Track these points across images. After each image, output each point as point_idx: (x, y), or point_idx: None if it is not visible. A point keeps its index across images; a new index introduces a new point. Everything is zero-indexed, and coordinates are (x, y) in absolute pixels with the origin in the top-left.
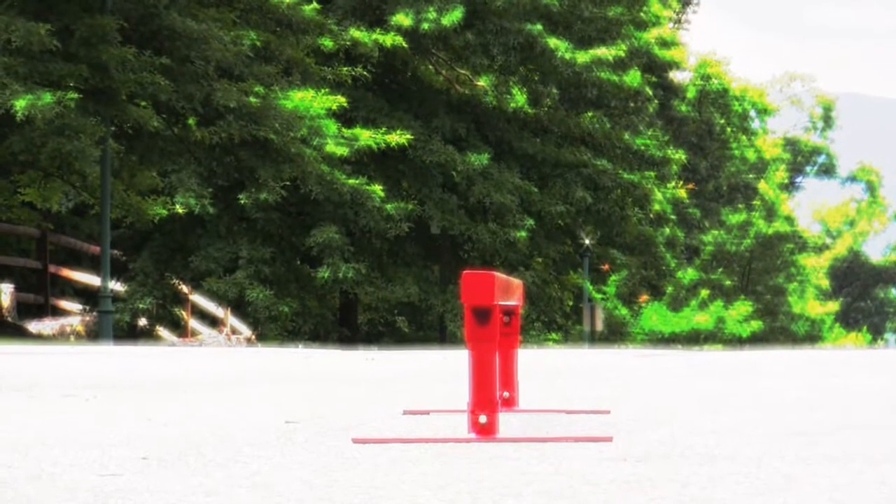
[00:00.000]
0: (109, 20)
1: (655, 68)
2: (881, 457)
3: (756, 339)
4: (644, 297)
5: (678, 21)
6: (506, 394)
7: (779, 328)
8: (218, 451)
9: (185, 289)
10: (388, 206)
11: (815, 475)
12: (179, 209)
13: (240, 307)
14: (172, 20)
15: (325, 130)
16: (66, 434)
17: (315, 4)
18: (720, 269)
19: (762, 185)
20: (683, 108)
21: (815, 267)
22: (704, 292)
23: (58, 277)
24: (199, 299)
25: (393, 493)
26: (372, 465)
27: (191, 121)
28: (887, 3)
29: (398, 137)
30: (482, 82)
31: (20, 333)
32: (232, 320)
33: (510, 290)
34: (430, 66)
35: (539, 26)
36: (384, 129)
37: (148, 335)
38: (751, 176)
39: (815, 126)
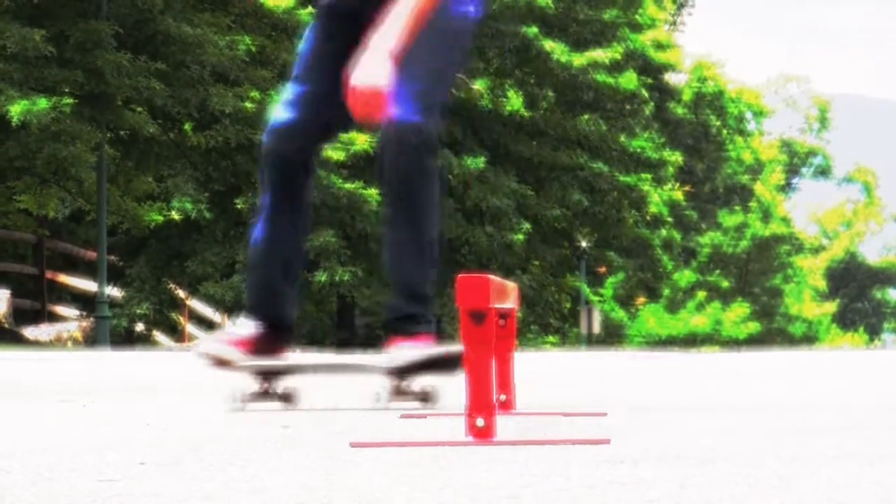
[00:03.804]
0: (104, 25)
1: (651, 70)
2: (878, 456)
3: (753, 341)
4: (641, 300)
5: (673, 23)
6: (503, 396)
7: (776, 329)
8: (216, 456)
9: (181, 294)
10: None
11: (812, 475)
12: (175, 214)
13: (237, 311)
14: (167, 25)
15: None
16: (64, 439)
17: (310, 8)
18: (717, 271)
19: (758, 187)
20: (679, 110)
21: (812, 268)
22: (701, 294)
23: (54, 283)
24: (196, 304)
25: (390, 495)
26: (370, 468)
27: (186, 126)
28: (882, 5)
29: None
30: (478, 85)
31: (17, 339)
32: (229, 325)
33: (505, 294)
34: None
35: (535, 29)
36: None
37: (145, 340)
38: (747, 178)
39: (810, 127)
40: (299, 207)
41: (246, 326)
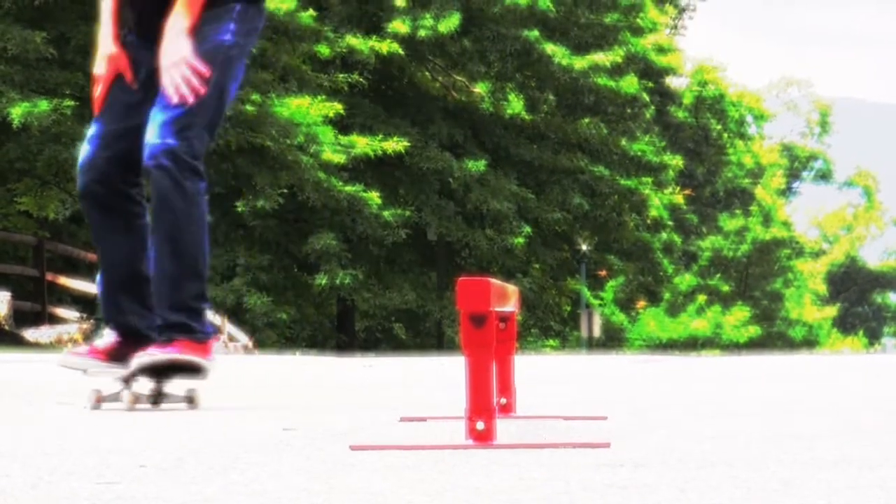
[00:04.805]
0: None
1: (652, 74)
2: (879, 461)
3: (753, 345)
4: (641, 303)
5: (674, 27)
6: (503, 400)
7: (776, 333)
8: (216, 459)
9: None
10: (386, 213)
11: (813, 479)
12: None
13: (237, 314)
14: None
15: (321, 137)
16: (64, 442)
17: (311, 11)
18: (717, 275)
19: (759, 191)
20: (680, 113)
21: (813, 272)
22: (702, 298)
23: (55, 285)
24: None
25: (390, 498)
26: (369, 471)
27: None
28: (884, 8)
29: (395, 144)
30: (479, 89)
31: (17, 341)
32: (229, 328)
33: (506, 296)
34: (427, 73)
35: (536, 32)
36: (381, 135)
37: None
38: (748, 181)
39: (811, 131)
40: (126, 233)
41: (105, 337)
